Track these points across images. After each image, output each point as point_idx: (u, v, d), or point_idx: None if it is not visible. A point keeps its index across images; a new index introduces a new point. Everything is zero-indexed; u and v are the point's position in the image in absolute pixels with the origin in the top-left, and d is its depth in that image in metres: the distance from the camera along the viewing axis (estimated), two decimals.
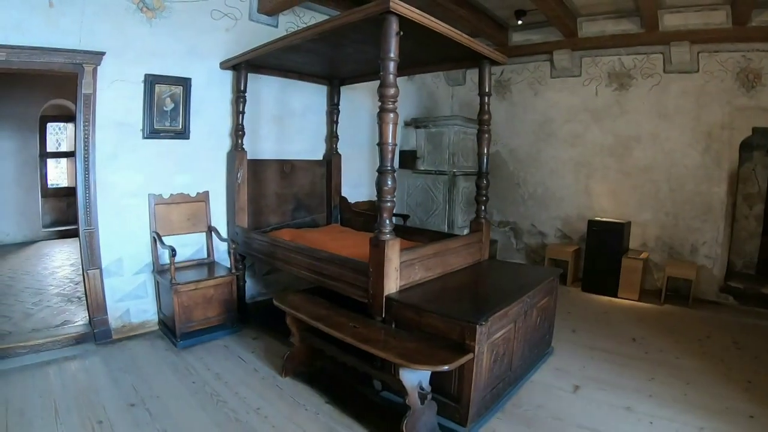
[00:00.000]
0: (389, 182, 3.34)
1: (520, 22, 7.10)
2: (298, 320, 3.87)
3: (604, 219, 7.14)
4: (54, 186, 10.51)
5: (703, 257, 6.87)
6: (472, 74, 8.20)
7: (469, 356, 2.99)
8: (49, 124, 10.14)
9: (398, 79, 3.34)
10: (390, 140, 3.30)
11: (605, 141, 7.47)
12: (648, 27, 6.66)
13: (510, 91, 8.35)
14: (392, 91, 3.28)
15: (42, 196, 9.80)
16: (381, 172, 3.36)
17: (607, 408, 3.71)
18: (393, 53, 3.24)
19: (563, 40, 7.40)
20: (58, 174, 10.86)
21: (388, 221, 3.41)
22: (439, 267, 4.07)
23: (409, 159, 7.71)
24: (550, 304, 4.45)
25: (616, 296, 6.79)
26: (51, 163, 10.49)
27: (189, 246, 5.29)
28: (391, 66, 3.27)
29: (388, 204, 3.40)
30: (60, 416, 3.41)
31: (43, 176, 10.05)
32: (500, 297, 3.65)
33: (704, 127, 6.74)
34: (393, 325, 3.45)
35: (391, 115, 3.29)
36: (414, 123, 7.71)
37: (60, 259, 8.03)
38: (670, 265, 6.74)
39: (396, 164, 3.52)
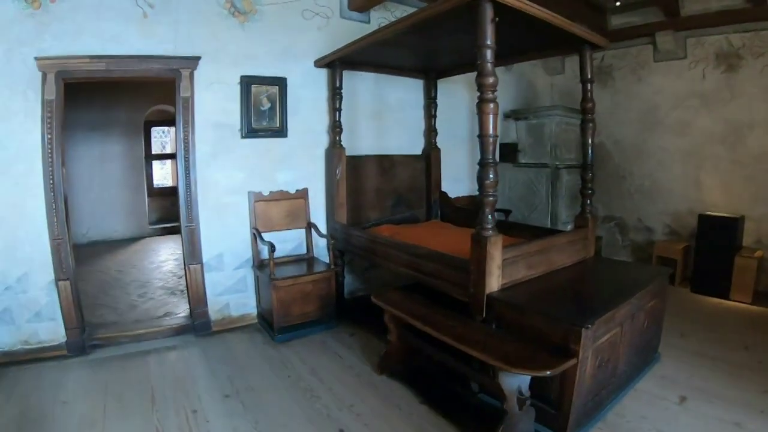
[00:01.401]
0: (491, 175, 3.21)
1: (618, 4, 6.72)
2: (395, 317, 3.83)
3: (716, 214, 6.57)
4: (159, 186, 11.16)
5: None
6: (571, 62, 7.85)
7: (573, 361, 2.81)
8: (153, 128, 10.79)
9: (496, 69, 3.21)
10: (491, 131, 3.17)
11: (715, 128, 6.85)
12: (756, 1, 6.05)
13: (612, 78, 7.86)
14: (491, 80, 3.15)
15: (148, 196, 10.48)
16: (482, 164, 3.23)
17: (715, 423, 3.38)
18: (489, 40, 3.11)
19: (665, 20, 6.90)
20: (163, 174, 11.60)
21: (490, 216, 3.28)
22: (542, 265, 3.87)
23: (509, 152, 7.48)
24: (658, 306, 4.12)
25: (727, 298, 6.22)
26: (156, 164, 11.16)
27: (288, 242, 5.40)
28: (488, 54, 3.13)
29: (491, 198, 3.26)
30: (156, 403, 3.58)
31: (149, 177, 10.70)
32: (606, 298, 3.43)
33: None
34: (493, 326, 3.32)
35: (491, 105, 3.16)
36: (513, 115, 7.48)
37: (165, 254, 8.49)
38: None
39: (497, 157, 3.39)
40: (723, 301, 6.21)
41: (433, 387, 3.80)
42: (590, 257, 4.54)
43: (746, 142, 6.61)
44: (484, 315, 3.34)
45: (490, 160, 3.20)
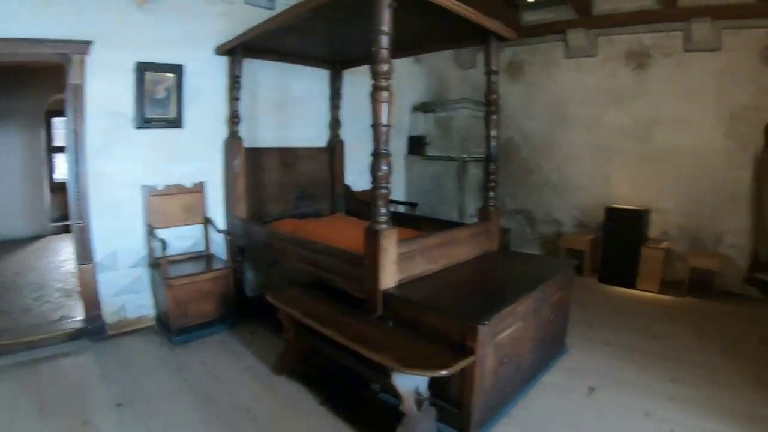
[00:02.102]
0: (384, 167, 3.09)
1: (531, 0, 6.78)
2: (291, 315, 3.66)
3: (623, 206, 6.79)
4: (61, 180, 10.43)
5: (728, 247, 6.49)
6: (484, 56, 7.86)
7: (471, 359, 2.74)
8: (54, 119, 10.04)
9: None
10: (384, 121, 3.06)
11: (624, 124, 7.09)
12: (667, 2, 6.32)
13: (523, 73, 7.96)
14: (385, 67, 3.05)
15: (50, 191, 9.79)
16: (375, 155, 3.11)
17: (625, 413, 3.43)
18: (385, 26, 3.00)
19: (577, 18, 7.05)
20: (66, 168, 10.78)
21: (384, 209, 3.16)
22: (443, 259, 3.80)
23: (417, 145, 7.44)
24: (564, 298, 4.15)
25: (635, 288, 6.47)
26: (59, 157, 10.40)
27: (186, 239, 5.12)
28: (384, 40, 3.03)
29: (383, 190, 3.14)
30: (45, 416, 3.31)
31: (51, 171, 10.00)
32: (508, 292, 3.38)
33: (728, 109, 6.34)
34: (390, 323, 3.21)
35: (385, 93, 3.06)
36: (422, 107, 7.43)
37: (66, 254, 7.96)
38: (692, 256, 6.41)
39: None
40: (630, 290, 6.44)
41: (334, 387, 3.68)
42: (494, 250, 4.52)
43: (653, 138, 6.87)
44: (380, 312, 3.23)
45: (383, 151, 3.08)
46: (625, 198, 7.05)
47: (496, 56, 4.30)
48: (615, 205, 6.84)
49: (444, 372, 2.58)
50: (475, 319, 2.76)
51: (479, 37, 4.24)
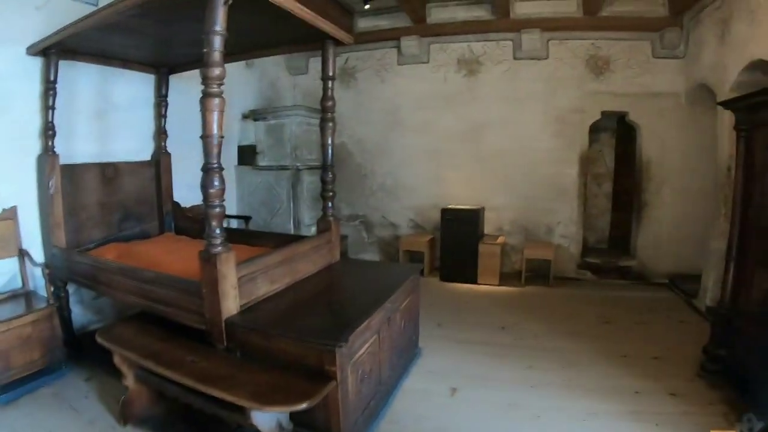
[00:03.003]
0: (216, 182, 2.77)
1: (367, 7, 6.75)
2: (128, 358, 3.18)
3: (458, 207, 7.05)
4: None
5: (560, 237, 7.11)
6: (315, 62, 7.55)
7: (332, 384, 2.55)
8: None
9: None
10: (215, 131, 2.74)
11: (456, 127, 7.40)
12: (499, 14, 6.77)
13: (355, 79, 7.95)
14: (217, 71, 2.73)
15: None
16: (206, 170, 2.78)
17: (490, 407, 3.46)
18: (219, 26, 2.69)
19: (412, 26, 7.26)
20: None
21: (218, 230, 2.82)
22: (286, 277, 3.55)
23: (248, 154, 7.07)
24: (413, 303, 4.14)
25: (476, 283, 6.75)
26: None
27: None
28: (217, 42, 2.72)
29: (217, 209, 2.81)
30: None
31: None
32: (360, 306, 3.24)
33: (555, 112, 6.97)
34: (238, 354, 2.89)
35: (216, 100, 2.74)
36: (253, 115, 7.05)
37: None
38: (527, 247, 6.85)
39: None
40: (472, 286, 6.70)
41: (192, 428, 3.25)
42: (336, 261, 4.37)
43: (485, 140, 7.27)
44: (225, 344, 2.90)
45: (215, 165, 2.76)
46: (460, 198, 7.34)
47: (333, 61, 4.16)
48: (450, 206, 7.07)
49: (305, 405, 2.38)
50: (331, 341, 2.57)
51: (315, 40, 4.08)
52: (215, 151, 2.75)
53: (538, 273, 6.81)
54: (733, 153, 4.16)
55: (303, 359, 2.67)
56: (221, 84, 2.77)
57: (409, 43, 7.38)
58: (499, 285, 6.65)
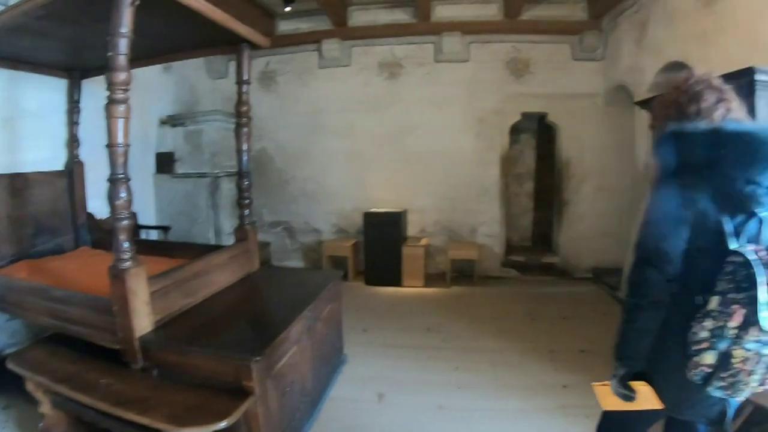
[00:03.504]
0: (123, 194, 2.61)
1: (288, 9, 6.66)
2: (42, 384, 2.97)
3: (381, 210, 7.07)
4: None
5: (483, 236, 7.24)
6: (236, 66, 7.52)
7: (251, 400, 2.46)
8: None
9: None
10: (120, 140, 2.58)
11: (378, 131, 7.41)
12: (421, 17, 6.84)
13: (276, 82, 7.79)
14: (123, 76, 2.57)
15: None
16: (112, 181, 2.62)
17: (419, 411, 3.46)
18: (125, 28, 2.54)
19: (333, 29, 7.22)
20: None
21: (127, 243, 2.67)
22: (202, 289, 3.40)
23: (166, 162, 6.78)
24: (335, 310, 4.07)
25: (401, 286, 6.76)
26: None
27: None
28: (122, 45, 2.56)
29: (125, 222, 2.66)
30: None
31: None
32: (278, 316, 3.18)
33: (477, 113, 7.10)
34: (155, 374, 2.75)
35: (122, 107, 2.57)
36: (170, 121, 6.79)
37: None
38: (452, 248, 6.93)
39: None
40: (398, 289, 6.70)
41: None
42: (255, 271, 4.24)
43: (407, 143, 7.31)
44: (141, 363, 2.75)
45: (121, 175, 2.59)
46: (383, 201, 7.35)
47: (248, 65, 4.04)
48: (373, 209, 7.07)
49: (223, 424, 2.27)
50: (247, 355, 2.49)
51: (232, 44, 3.93)
52: (121, 160, 2.59)
53: (463, 273, 6.93)
54: (649, 150, 4.35)
55: (221, 375, 2.56)
56: (127, 90, 2.61)
57: (331, 47, 7.32)
58: (424, 287, 6.69)
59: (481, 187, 7.17)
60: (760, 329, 1.43)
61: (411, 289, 6.63)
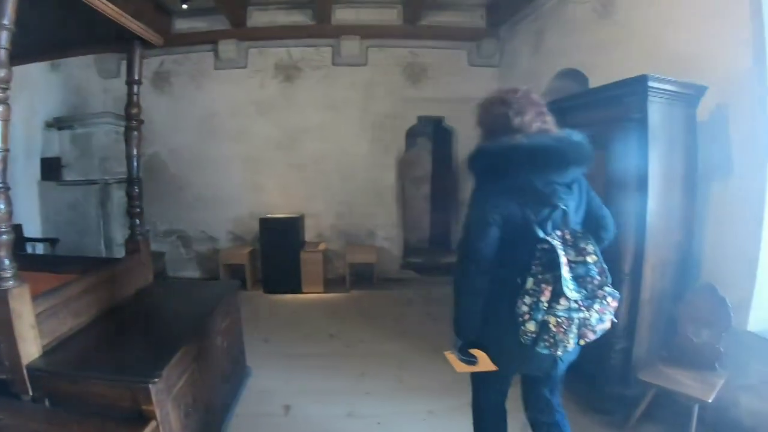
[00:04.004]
0: (0, 205, 2.34)
1: (185, 7, 6.36)
2: None
3: (277, 215, 6.92)
4: None
5: (382, 239, 7.33)
6: None
7: (152, 426, 2.29)
8: None
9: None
10: None
11: (273, 134, 7.29)
12: (320, 20, 6.79)
13: (170, 84, 7.37)
14: (2, 73, 2.28)
15: None
16: None
17: (328, 421, 3.41)
18: (6, 19, 2.25)
19: (230, 29, 6.97)
20: None
21: (7, 261, 2.37)
22: (93, 306, 3.13)
23: (52, 168, 6.23)
24: (234, 321, 3.93)
25: (301, 292, 6.68)
26: None
27: None
28: (3, 38, 2.27)
29: (4, 237, 2.34)
30: None
31: None
32: (175, 333, 3.00)
33: (372, 117, 7.17)
34: (47, 404, 2.47)
35: (0, 108, 2.29)
36: (57, 123, 6.24)
37: None
38: (350, 252, 6.96)
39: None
40: (297, 295, 6.61)
41: None
42: (150, 284, 3.97)
43: (303, 147, 7.26)
44: (31, 393, 2.46)
45: (0, 185, 2.33)
46: (279, 206, 7.24)
47: (140, 64, 3.78)
48: (269, 215, 6.90)
49: None
50: (144, 377, 2.32)
51: (123, 41, 3.64)
52: (0, 167, 2.32)
53: (363, 276, 6.97)
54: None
55: (118, 401, 2.37)
56: (6, 89, 2.33)
57: (227, 47, 7.09)
58: (324, 292, 6.66)
59: (378, 191, 7.25)
60: (567, 299, 1.81)
61: (311, 295, 6.56)
